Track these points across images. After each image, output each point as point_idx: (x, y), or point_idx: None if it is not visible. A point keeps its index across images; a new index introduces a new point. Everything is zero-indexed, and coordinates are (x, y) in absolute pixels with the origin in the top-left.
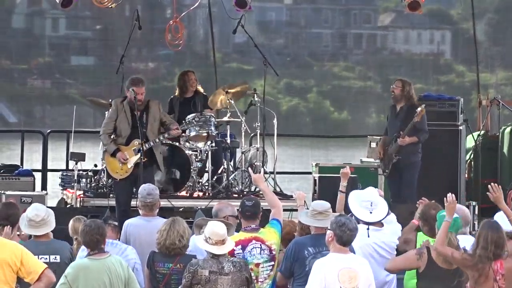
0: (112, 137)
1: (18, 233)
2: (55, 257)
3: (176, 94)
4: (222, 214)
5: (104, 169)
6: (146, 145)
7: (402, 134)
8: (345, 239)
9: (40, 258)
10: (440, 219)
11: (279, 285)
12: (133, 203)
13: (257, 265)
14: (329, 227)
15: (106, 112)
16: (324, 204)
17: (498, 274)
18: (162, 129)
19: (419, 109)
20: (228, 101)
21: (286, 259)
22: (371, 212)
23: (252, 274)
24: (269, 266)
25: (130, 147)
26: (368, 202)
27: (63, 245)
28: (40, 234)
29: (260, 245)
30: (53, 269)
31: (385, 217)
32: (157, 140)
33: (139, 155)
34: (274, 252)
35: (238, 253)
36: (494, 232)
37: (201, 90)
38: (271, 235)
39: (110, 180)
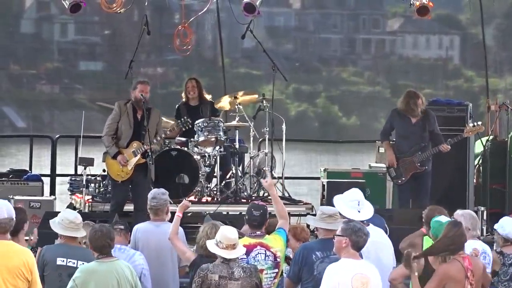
0: (113, 139)
1: (26, 238)
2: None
3: (183, 100)
4: None
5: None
6: (144, 146)
7: (449, 141)
8: (361, 244)
9: (68, 262)
10: (434, 224)
11: None
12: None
13: (261, 271)
14: (341, 233)
15: None
16: (333, 208)
17: (468, 271)
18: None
19: (473, 125)
20: (236, 106)
21: (294, 264)
22: (359, 211)
23: None
24: (272, 273)
25: (129, 149)
26: (355, 201)
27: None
28: (75, 236)
29: (265, 251)
30: None
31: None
32: (155, 141)
33: (138, 156)
34: (278, 260)
35: (241, 258)
36: (453, 229)
37: (208, 97)
38: (276, 242)
39: (105, 181)
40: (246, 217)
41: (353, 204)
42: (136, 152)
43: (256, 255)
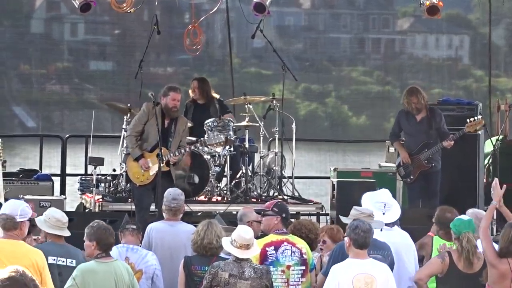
0: (138, 140)
1: (35, 237)
2: (72, 261)
3: (191, 98)
4: (247, 219)
5: (123, 173)
6: (171, 154)
7: (451, 137)
8: (361, 242)
9: (58, 260)
10: (456, 222)
11: None
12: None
13: (288, 267)
14: (345, 233)
15: (125, 116)
16: (367, 208)
17: None
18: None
19: (473, 119)
20: (246, 106)
21: (332, 261)
22: (384, 213)
23: (284, 277)
24: (299, 270)
25: (154, 154)
26: (381, 203)
27: (77, 251)
28: (64, 235)
29: (291, 247)
30: (68, 273)
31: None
32: (183, 151)
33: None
34: (305, 256)
35: (271, 254)
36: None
37: (216, 96)
38: (300, 240)
39: (128, 184)
40: (284, 216)
41: (380, 206)
42: (163, 159)
43: (284, 250)
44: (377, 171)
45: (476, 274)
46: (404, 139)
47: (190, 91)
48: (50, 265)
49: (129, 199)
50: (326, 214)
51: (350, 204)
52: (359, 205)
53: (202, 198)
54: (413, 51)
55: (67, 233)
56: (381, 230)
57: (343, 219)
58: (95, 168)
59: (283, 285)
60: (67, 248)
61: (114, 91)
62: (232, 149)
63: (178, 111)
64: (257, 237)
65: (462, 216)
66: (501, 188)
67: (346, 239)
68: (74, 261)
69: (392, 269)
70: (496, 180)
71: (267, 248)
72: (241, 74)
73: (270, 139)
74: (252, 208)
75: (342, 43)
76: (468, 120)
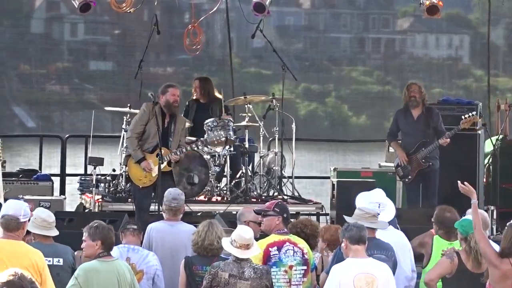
0: (139, 142)
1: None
2: (58, 260)
3: (193, 97)
4: (244, 218)
5: (123, 173)
6: (172, 154)
7: (448, 135)
8: (357, 237)
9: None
10: (463, 222)
11: None
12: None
13: (291, 267)
14: (341, 237)
15: (124, 116)
16: (372, 208)
17: None
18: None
19: (468, 116)
20: (246, 105)
21: (337, 260)
22: (378, 213)
23: (286, 277)
24: (301, 270)
25: (155, 155)
26: (376, 203)
27: (66, 249)
28: (51, 235)
29: (293, 247)
30: (55, 272)
31: (393, 218)
32: (184, 150)
33: (164, 164)
34: (306, 256)
35: (274, 254)
36: None
37: (219, 96)
38: (301, 240)
39: (128, 184)
40: (285, 216)
41: (374, 206)
42: (164, 159)
43: (286, 250)
44: (377, 171)
45: (484, 273)
46: (401, 139)
47: (192, 91)
48: None
49: (129, 199)
50: (326, 214)
51: (350, 204)
52: None
53: (202, 198)
54: (413, 51)
55: (54, 233)
56: (376, 230)
57: (347, 218)
58: (94, 168)
59: (285, 285)
60: (55, 247)
61: (114, 91)
62: (232, 149)
63: (179, 106)
64: (256, 238)
65: (468, 217)
66: (501, 187)
67: (342, 243)
68: (61, 260)
69: (395, 269)
70: (458, 182)
71: (270, 249)
72: (241, 74)
73: (270, 139)
74: (251, 208)
75: (342, 43)
76: (462, 117)
